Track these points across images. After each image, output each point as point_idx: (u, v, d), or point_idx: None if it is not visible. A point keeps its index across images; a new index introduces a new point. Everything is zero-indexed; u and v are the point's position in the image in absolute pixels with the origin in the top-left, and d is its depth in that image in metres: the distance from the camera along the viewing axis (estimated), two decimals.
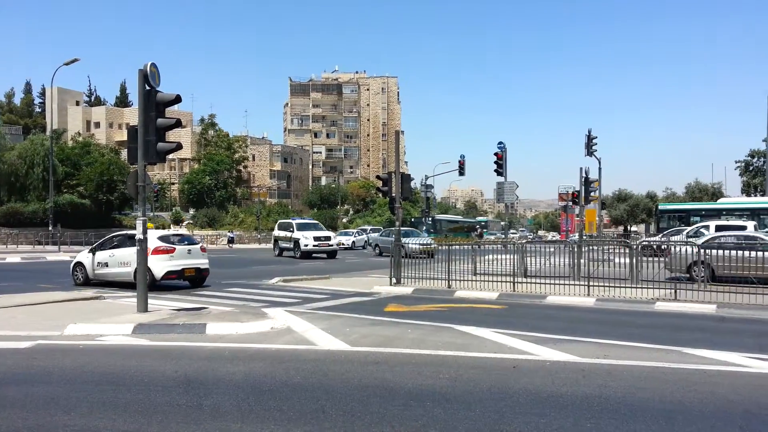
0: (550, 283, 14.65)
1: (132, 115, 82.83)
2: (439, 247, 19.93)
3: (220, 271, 22.96)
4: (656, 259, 15.94)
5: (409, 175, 20.21)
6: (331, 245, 33.77)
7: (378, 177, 21.12)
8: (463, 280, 15.89)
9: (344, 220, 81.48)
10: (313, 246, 32.28)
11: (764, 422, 5.11)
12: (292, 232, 32.92)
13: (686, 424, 5.00)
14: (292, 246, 32.81)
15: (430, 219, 53.32)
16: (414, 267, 16.70)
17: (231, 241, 54.65)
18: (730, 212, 32.18)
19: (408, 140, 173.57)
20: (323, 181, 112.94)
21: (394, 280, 16.51)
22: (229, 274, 21.88)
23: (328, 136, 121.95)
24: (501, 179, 30.96)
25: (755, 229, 26.12)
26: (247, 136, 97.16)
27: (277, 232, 35.00)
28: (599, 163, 36.37)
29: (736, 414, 5.31)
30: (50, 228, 42.62)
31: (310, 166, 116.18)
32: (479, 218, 74.65)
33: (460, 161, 42.33)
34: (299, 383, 6.32)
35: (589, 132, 33.83)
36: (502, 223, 49.90)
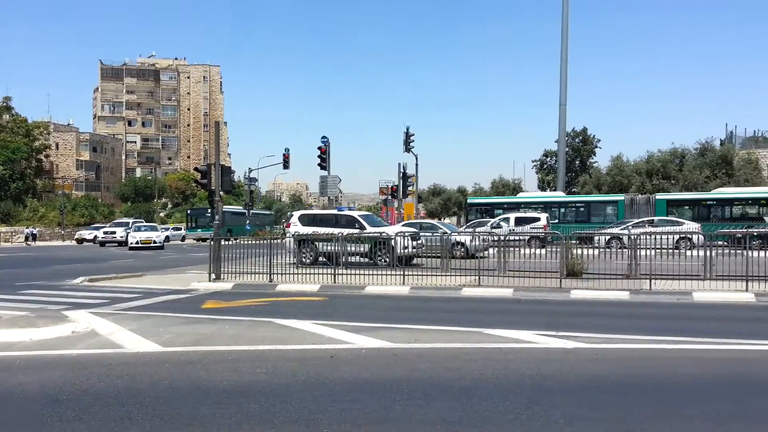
0: (368, 274, 15.17)
1: None
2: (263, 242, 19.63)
3: (15, 272, 20.55)
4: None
5: (230, 167, 19.69)
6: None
7: (196, 169, 20.26)
8: (286, 274, 15.87)
9: (161, 214, 77.02)
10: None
11: (547, 390, 5.78)
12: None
13: (483, 398, 5.49)
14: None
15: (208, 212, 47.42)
16: (235, 262, 16.31)
17: (31, 238, 49.22)
18: (527, 205, 35.81)
19: (232, 132, 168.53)
20: (138, 172, 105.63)
21: (213, 276, 15.99)
22: (25, 274, 19.62)
23: (144, 124, 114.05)
24: (324, 173, 31.39)
25: (547, 220, 29.37)
26: (50, 122, 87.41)
27: None
28: (416, 159, 38.42)
29: (525, 384, 5.94)
30: None
31: (123, 157, 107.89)
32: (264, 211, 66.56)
33: (284, 155, 42.11)
34: (103, 390, 5.89)
35: (407, 129, 35.52)
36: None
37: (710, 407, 5.29)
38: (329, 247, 17.28)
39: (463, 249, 19.85)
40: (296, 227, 20.73)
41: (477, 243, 18.97)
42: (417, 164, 38.70)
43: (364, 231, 18.88)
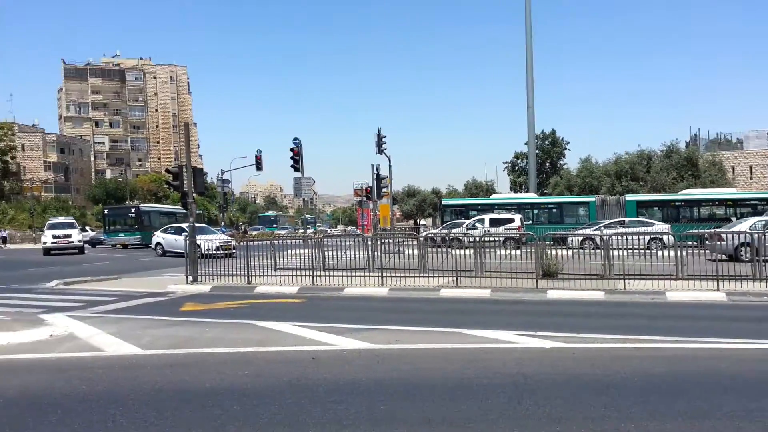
0: (347, 275, 15.21)
1: None
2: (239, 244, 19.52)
3: None
4: (441, 249, 17.35)
5: (202, 169, 19.55)
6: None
7: (168, 170, 20.07)
8: (264, 276, 15.81)
9: None
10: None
11: (529, 389, 5.89)
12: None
13: (466, 398, 5.58)
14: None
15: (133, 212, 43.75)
16: (212, 264, 16.20)
17: (2, 240, 48.21)
18: (501, 206, 36.16)
19: (203, 134, 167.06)
20: (108, 174, 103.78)
21: (190, 279, 15.86)
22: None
23: (111, 125, 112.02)
24: (298, 175, 31.30)
25: (521, 221, 29.72)
26: (15, 123, 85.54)
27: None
28: (389, 160, 38.47)
29: (507, 384, 6.04)
30: None
31: (92, 158, 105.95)
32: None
33: (257, 156, 41.91)
34: (84, 393, 5.83)
35: (379, 131, 35.56)
36: (306, 216, 48.96)
37: (687, 405, 5.44)
38: None
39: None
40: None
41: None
42: (390, 166, 38.75)
43: None
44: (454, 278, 14.55)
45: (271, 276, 15.83)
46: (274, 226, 68.77)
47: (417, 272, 15.45)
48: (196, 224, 33.44)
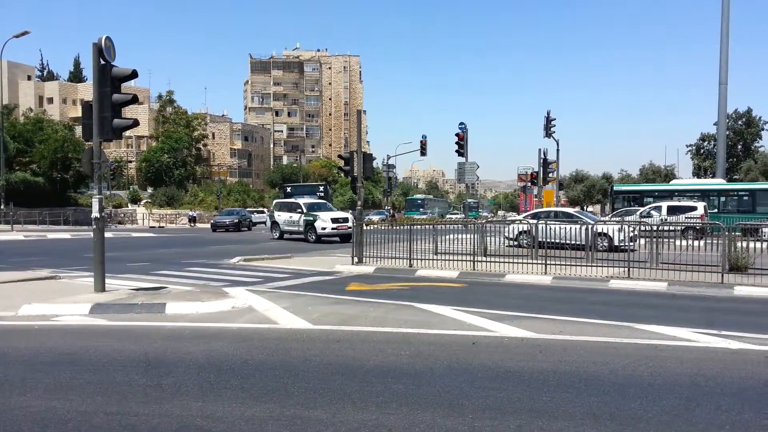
0: (508, 262, 14.93)
1: (86, 91, 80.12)
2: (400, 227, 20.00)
3: (181, 251, 22.66)
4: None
5: (371, 154, 20.22)
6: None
7: (340, 156, 21.09)
8: (425, 259, 16.05)
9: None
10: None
11: (709, 392, 5.35)
12: (302, 213, 28.72)
13: (636, 396, 5.21)
14: (302, 229, 28.50)
15: None
16: (376, 246, 16.78)
17: (193, 220, 54.12)
18: (682, 193, 33.19)
19: (370, 120, 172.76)
20: (285, 160, 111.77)
21: (356, 260, 16.57)
22: (189, 253, 21.61)
23: (289, 114, 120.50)
24: (462, 160, 31.27)
25: (705, 209, 27.05)
26: (207, 113, 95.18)
27: (278, 214, 30.71)
28: (557, 144, 37.05)
29: (683, 385, 5.55)
30: (2, 206, 41.23)
31: (272, 145, 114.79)
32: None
33: (422, 141, 42.44)
34: (261, 362, 6.34)
35: (548, 113, 34.36)
36: (469, 201, 48.37)
37: None
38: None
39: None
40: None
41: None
42: (558, 150, 37.31)
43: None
44: (626, 269, 13.65)
45: (433, 260, 16.02)
46: (420, 210, 67.71)
47: (583, 261, 14.73)
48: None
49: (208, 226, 46.59)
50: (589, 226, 15.71)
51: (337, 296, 11.24)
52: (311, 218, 28.19)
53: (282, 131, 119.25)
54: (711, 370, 6.09)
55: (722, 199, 33.26)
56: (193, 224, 53.66)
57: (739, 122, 57.27)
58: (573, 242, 15.73)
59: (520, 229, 18.98)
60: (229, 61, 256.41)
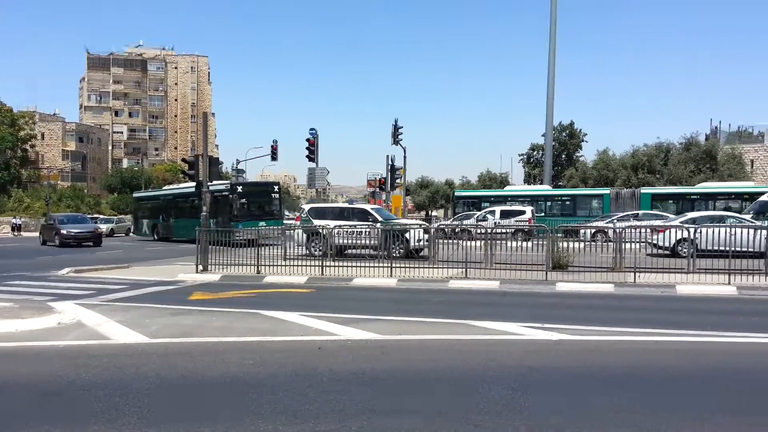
0: (355, 266, 15.21)
1: None
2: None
3: (1, 263, 20.36)
4: (451, 241, 17.29)
5: (218, 158, 19.67)
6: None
7: (184, 160, 20.21)
8: (273, 266, 15.86)
9: None
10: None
11: (534, 381, 5.85)
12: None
13: (471, 389, 5.55)
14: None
15: None
16: (222, 253, 16.28)
17: (17, 228, 48.88)
18: (514, 198, 35.97)
19: (220, 123, 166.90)
20: (125, 163, 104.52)
21: (200, 268, 15.96)
22: (10, 265, 19.45)
23: (130, 115, 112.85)
24: (313, 165, 31.34)
25: (532, 213, 29.54)
26: (36, 112, 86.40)
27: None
28: (404, 151, 38.47)
29: (511, 376, 6.01)
30: None
31: (110, 147, 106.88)
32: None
33: (272, 146, 41.97)
34: (89, 381, 5.88)
35: (396, 122, 35.55)
36: None
37: (702, 400, 5.38)
38: (342, 240, 17.56)
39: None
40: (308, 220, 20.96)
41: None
42: (405, 157, 38.77)
43: (378, 223, 18.82)
44: (464, 270, 14.50)
45: (281, 266, 15.88)
46: None
47: (427, 263, 15.42)
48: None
49: (36, 234, 41.86)
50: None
51: (179, 307, 10.73)
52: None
53: (122, 132, 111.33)
54: (536, 361, 6.66)
55: (548, 203, 36.56)
56: (17, 233, 48.50)
57: (564, 134, 63.24)
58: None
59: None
60: (62, 56, 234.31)
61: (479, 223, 24.01)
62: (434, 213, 72.17)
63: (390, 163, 35.61)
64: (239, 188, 31.37)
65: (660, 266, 13.85)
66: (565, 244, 15.56)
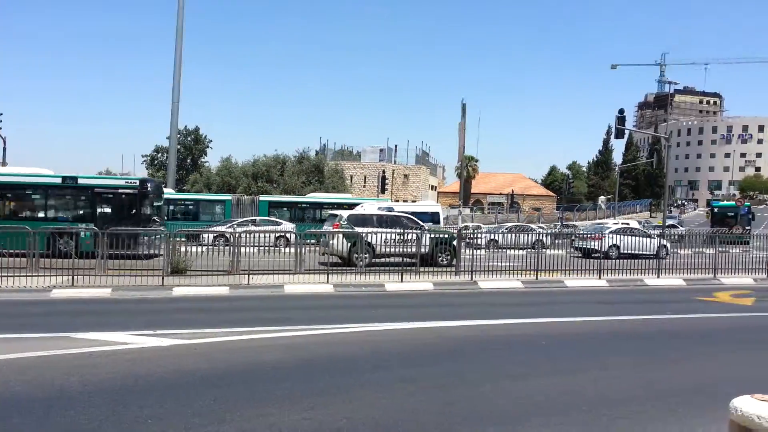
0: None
1: None
2: None
3: None
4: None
5: None
6: None
7: None
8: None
9: None
10: None
11: (139, 390, 5.66)
12: None
13: (66, 408, 5.09)
14: None
15: None
16: None
17: None
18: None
19: None
20: None
21: None
22: None
23: None
24: None
25: None
26: None
27: None
28: (4, 142, 33.08)
29: (114, 387, 5.70)
30: None
31: None
32: None
33: None
34: None
35: None
36: None
37: (295, 387, 5.96)
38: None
39: None
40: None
41: None
42: (5, 148, 33.30)
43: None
44: (70, 277, 13.16)
45: None
46: None
47: (25, 271, 13.48)
48: None
49: None
50: None
51: None
52: None
53: None
54: (143, 369, 6.48)
55: (171, 207, 35.85)
56: None
57: (189, 138, 63.00)
58: None
59: None
60: None
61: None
62: None
63: None
64: None
65: (272, 268, 14.90)
66: (185, 249, 15.50)
